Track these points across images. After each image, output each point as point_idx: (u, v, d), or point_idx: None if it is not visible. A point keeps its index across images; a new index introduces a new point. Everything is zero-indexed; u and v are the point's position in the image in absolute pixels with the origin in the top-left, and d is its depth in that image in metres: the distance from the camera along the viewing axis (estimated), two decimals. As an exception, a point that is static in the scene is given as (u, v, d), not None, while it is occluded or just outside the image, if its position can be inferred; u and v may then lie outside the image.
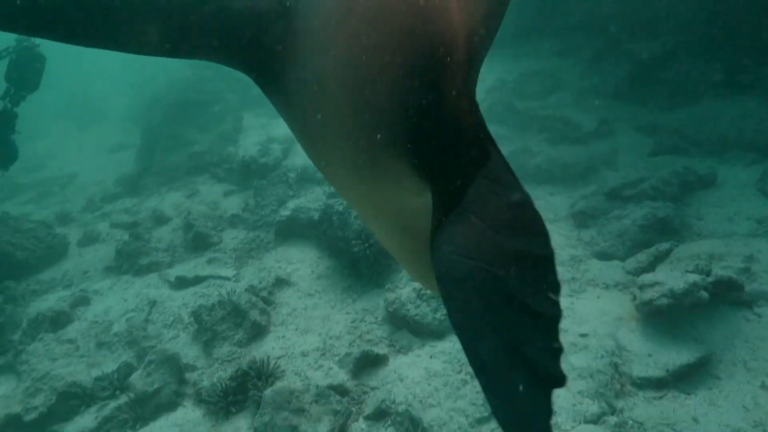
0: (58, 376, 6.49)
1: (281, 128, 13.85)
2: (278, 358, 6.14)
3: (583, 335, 5.53)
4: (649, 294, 5.39)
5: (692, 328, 5.28)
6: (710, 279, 5.38)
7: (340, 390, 5.53)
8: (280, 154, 12.84)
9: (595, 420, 4.65)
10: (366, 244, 7.24)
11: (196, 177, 13.45)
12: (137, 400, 5.96)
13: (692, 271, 5.57)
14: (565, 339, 5.47)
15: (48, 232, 10.65)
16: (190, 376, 6.30)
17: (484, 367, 1.40)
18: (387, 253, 3.09)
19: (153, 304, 7.92)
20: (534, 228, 1.56)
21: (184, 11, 1.81)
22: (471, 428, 4.75)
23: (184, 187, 13.03)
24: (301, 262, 8.16)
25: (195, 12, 1.81)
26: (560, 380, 1.39)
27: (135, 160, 16.38)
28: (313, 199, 9.12)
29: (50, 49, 8.00)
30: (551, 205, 8.58)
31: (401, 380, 5.50)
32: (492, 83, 12.84)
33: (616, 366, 5.12)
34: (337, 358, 6.06)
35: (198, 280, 8.33)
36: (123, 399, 6.04)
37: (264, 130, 15.36)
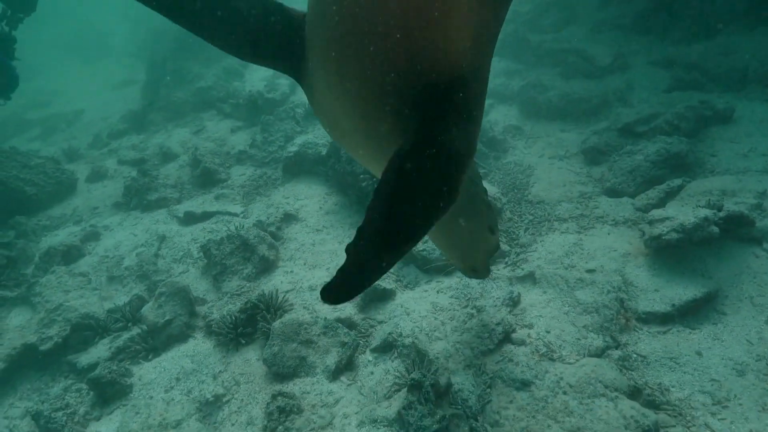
0: (72, 308, 6.63)
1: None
2: (287, 292, 6.20)
3: (590, 271, 5.53)
4: (658, 229, 5.34)
5: (700, 264, 5.25)
6: (721, 214, 5.31)
7: (348, 323, 5.61)
8: (287, 89, 12.65)
9: (599, 353, 4.70)
10: (374, 179, 7.17)
11: (203, 113, 13.33)
12: (149, 331, 6.09)
13: (704, 207, 5.49)
14: (571, 275, 5.50)
15: (57, 168, 10.67)
16: (201, 309, 6.40)
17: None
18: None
19: (162, 239, 7.98)
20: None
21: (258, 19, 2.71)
22: (476, 360, 4.82)
23: (190, 123, 12.93)
24: (308, 198, 8.14)
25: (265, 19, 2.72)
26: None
27: (141, 96, 16.20)
28: (321, 134, 9.02)
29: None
30: (562, 142, 8.43)
31: (408, 314, 5.56)
32: (505, 15, 12.38)
33: (622, 301, 5.13)
34: (344, 292, 6.09)
35: (206, 215, 8.36)
36: (135, 330, 6.16)
37: (270, 64, 15.04)
